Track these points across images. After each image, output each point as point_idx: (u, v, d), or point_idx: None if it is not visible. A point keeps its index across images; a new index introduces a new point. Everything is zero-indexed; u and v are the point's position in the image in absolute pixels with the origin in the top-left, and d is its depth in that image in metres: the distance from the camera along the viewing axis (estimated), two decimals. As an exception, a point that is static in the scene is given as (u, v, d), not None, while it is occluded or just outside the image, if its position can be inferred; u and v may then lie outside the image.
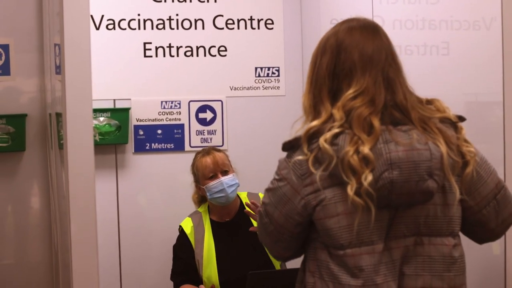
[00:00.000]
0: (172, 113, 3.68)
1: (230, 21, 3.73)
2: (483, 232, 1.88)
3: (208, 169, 3.20)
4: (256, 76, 3.78)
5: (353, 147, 1.68)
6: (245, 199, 3.28)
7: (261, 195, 3.26)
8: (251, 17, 3.75)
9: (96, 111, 3.47)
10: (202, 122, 3.72)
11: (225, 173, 3.21)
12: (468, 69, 2.92)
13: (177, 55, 3.67)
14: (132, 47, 3.62)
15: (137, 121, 3.63)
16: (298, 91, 3.66)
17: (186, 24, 3.68)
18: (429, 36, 3.10)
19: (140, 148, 3.65)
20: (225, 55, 3.73)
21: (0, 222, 3.19)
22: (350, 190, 1.68)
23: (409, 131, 1.73)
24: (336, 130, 1.71)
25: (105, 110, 3.52)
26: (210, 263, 3.15)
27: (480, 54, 2.86)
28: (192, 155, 3.32)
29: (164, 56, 3.65)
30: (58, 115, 2.52)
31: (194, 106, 3.70)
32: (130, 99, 3.61)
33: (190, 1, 3.67)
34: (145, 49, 3.62)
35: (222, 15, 3.71)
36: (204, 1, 3.69)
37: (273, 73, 3.77)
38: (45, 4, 2.98)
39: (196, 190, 3.33)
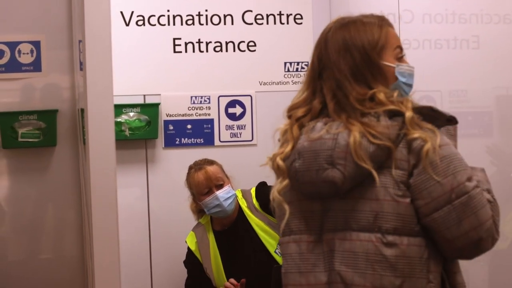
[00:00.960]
0: (201, 108, 3.69)
1: (259, 16, 3.72)
2: (441, 243, 1.66)
3: (202, 185, 3.15)
4: (285, 71, 3.76)
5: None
6: (241, 199, 3.24)
7: (253, 192, 3.25)
8: (280, 12, 3.74)
9: (126, 106, 3.51)
10: (232, 117, 3.72)
11: (220, 186, 3.16)
12: (498, 62, 2.89)
13: (207, 51, 3.68)
14: (162, 43, 3.63)
15: (167, 116, 3.65)
16: (327, 85, 3.63)
17: (215, 19, 3.68)
18: (459, 30, 3.08)
19: (170, 143, 3.67)
20: (254, 50, 3.72)
21: (33, 217, 3.24)
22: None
23: (330, 123, 1.70)
24: None
25: (135, 105, 3.55)
26: (219, 273, 3.16)
27: (511, 48, 2.82)
28: (222, 150, 3.33)
29: (194, 51, 3.66)
30: (82, 111, 2.55)
31: (224, 101, 3.71)
32: (160, 94, 3.64)
33: (219, -4, 3.69)
34: (174, 45, 3.64)
35: (251, 10, 3.71)
36: (232, -4, 3.70)
37: (302, 67, 3.75)
38: (74, 1, 3.03)
39: (193, 202, 3.29)
